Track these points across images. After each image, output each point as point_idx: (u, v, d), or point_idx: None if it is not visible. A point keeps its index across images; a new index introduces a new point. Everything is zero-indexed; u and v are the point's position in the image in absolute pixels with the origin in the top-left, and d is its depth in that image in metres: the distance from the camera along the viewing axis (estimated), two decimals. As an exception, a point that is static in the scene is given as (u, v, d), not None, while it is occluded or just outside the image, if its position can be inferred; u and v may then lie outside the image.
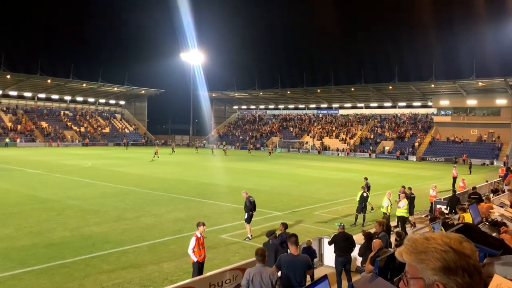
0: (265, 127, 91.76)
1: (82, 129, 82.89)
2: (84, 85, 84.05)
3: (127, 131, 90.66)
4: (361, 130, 78.58)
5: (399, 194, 17.95)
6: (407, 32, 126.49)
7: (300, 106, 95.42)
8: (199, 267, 10.24)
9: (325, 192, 26.29)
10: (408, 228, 16.56)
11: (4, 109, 78.80)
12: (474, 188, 19.84)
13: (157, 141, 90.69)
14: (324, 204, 22.17)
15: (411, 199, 17.71)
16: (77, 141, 77.40)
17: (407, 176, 37.60)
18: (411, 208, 17.51)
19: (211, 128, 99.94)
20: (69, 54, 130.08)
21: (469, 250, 1.40)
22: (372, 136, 74.97)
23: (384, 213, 16.67)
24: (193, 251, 10.19)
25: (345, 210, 20.43)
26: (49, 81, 78.37)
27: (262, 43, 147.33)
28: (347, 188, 27.65)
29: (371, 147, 70.21)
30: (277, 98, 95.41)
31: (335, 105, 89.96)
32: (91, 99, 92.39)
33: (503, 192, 15.19)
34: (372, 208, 19.68)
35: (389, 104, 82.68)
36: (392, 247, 10.50)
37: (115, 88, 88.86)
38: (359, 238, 11.44)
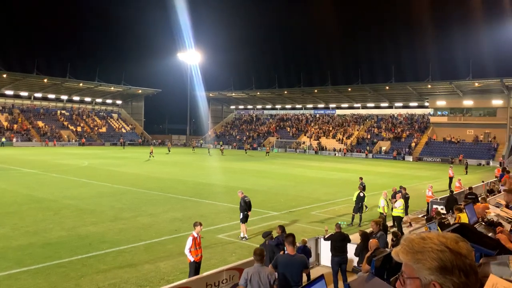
0: (262, 127, 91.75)
1: (79, 129, 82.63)
2: (81, 84, 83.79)
3: (124, 130, 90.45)
4: (358, 130, 78.69)
5: (394, 194, 18.07)
6: (404, 33, 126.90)
7: (297, 106, 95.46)
8: (195, 267, 10.24)
9: (322, 192, 26.31)
10: (405, 228, 16.61)
11: (0, 108, 78.47)
12: (470, 188, 19.94)
13: (154, 140, 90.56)
14: (321, 204, 22.20)
15: (405, 199, 17.77)
16: (73, 140, 77.17)
17: (403, 176, 37.69)
18: (405, 208, 17.56)
19: (208, 128, 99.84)
20: (66, 54, 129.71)
21: (465, 250, 1.41)
22: (369, 136, 75.09)
23: (381, 213, 16.72)
24: (190, 251, 10.18)
25: (342, 210, 20.46)
26: (45, 80, 78.07)
27: (260, 43, 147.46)
28: (344, 188, 27.69)
29: (367, 147, 70.35)
30: (274, 98, 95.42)
31: (332, 105, 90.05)
32: (87, 99, 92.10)
33: (499, 192, 15.26)
34: (366, 207, 19.55)
35: (386, 104, 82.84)
36: (389, 247, 10.53)
37: (112, 88, 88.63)
38: (356, 238, 11.46)
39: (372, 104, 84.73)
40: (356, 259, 10.78)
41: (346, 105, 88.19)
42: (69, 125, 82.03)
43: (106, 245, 13.44)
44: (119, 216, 17.72)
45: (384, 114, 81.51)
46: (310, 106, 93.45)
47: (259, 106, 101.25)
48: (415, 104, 79.47)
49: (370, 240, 9.22)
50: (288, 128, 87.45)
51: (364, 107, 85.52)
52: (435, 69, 73.55)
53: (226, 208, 19.98)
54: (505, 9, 68.36)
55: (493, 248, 2.58)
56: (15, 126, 74.80)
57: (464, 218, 8.48)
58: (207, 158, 55.84)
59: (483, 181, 27.05)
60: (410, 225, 17.73)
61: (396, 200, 16.82)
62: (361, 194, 17.88)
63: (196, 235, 10.33)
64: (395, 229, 15.00)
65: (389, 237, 11.54)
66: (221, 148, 68.67)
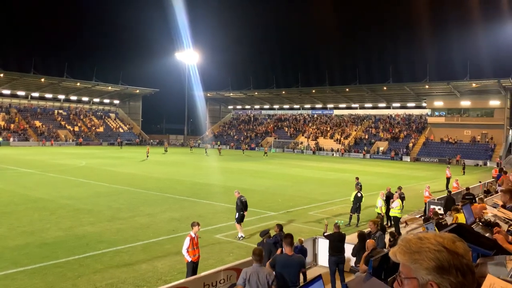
0: (260, 127, 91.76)
1: (76, 129, 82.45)
2: (78, 84, 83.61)
3: (121, 130, 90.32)
4: (355, 130, 78.80)
5: (388, 193, 18.17)
6: (402, 33, 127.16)
7: (295, 106, 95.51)
8: (193, 267, 10.23)
9: (319, 192, 26.34)
10: (403, 228, 16.63)
11: (-3, 107, 78.32)
12: (467, 189, 19.98)
13: (151, 140, 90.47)
14: (319, 204, 22.21)
15: (401, 199, 17.81)
16: (71, 140, 76.99)
17: (401, 176, 37.75)
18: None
19: (206, 128, 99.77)
20: (63, 53, 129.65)
21: (462, 250, 1.41)
22: (366, 137, 75.19)
23: (378, 213, 16.76)
24: (187, 251, 10.17)
25: (339, 210, 20.48)
26: (42, 80, 77.88)
27: (257, 43, 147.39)
28: (342, 188, 27.72)
29: (365, 148, 70.43)
30: (272, 98, 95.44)
31: (329, 106, 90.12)
32: (85, 98, 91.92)
33: (496, 192, 15.29)
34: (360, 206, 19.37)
35: (383, 104, 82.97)
36: (386, 247, 10.55)
37: (109, 87, 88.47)
38: (353, 238, 11.47)
39: (369, 105, 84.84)
40: (353, 259, 10.80)
41: (344, 105, 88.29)
42: (66, 125, 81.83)
43: (104, 245, 13.41)
44: (117, 216, 17.68)
45: (381, 114, 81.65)
46: (308, 106, 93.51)
47: (257, 106, 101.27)
48: (412, 104, 79.62)
49: (367, 241, 9.24)
50: (286, 128, 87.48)
51: (362, 108, 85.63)
52: (433, 70, 73.75)
53: (224, 208, 19.96)
54: (502, 10, 68.65)
55: (490, 249, 2.59)
56: (12, 125, 74.58)
57: (461, 218, 8.50)
58: (205, 158, 55.80)
59: (480, 182, 27.14)
60: (406, 224, 17.79)
61: (393, 200, 16.86)
62: (359, 195, 17.91)
63: (193, 235, 10.33)
64: (392, 229, 15.04)
65: (386, 238, 11.56)
66: (219, 148, 68.63)
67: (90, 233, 14.91)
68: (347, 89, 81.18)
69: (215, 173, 36.30)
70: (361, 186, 19.75)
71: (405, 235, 1.52)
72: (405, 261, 1.44)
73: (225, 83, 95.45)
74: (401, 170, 45.16)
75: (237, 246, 14.04)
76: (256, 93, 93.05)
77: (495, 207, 5.48)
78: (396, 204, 16.41)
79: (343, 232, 11.29)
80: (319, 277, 2.12)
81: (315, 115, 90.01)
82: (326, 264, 10.99)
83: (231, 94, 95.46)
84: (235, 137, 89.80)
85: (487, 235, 3.11)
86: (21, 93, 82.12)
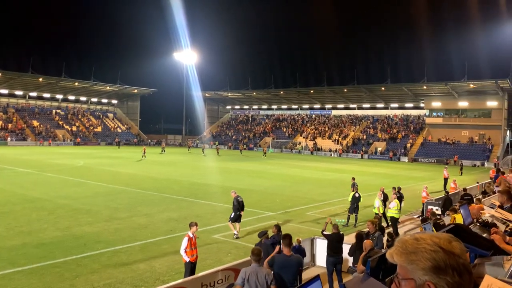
0: (258, 127, 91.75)
1: (74, 128, 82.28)
2: (76, 83, 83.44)
3: (119, 130, 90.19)
4: (353, 131, 78.87)
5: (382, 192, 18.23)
6: (400, 34, 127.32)
7: (293, 106, 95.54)
8: (191, 267, 10.23)
9: (317, 193, 26.35)
10: (400, 229, 16.65)
11: (-5, 107, 78.14)
12: (464, 189, 20.00)
13: (149, 140, 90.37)
14: (317, 204, 22.22)
15: (399, 199, 17.83)
16: (68, 140, 76.84)
17: (399, 177, 37.79)
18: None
19: (204, 128, 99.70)
20: (61, 53, 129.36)
21: (458, 250, 1.42)
22: (364, 137, 75.26)
23: (376, 214, 16.78)
24: (185, 251, 10.17)
25: (337, 210, 20.50)
26: (40, 79, 77.70)
27: (256, 44, 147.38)
28: (340, 188, 27.75)
29: (363, 148, 70.48)
30: (270, 98, 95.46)
31: (328, 106, 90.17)
32: (83, 98, 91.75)
33: (494, 193, 15.32)
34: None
35: (381, 105, 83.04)
36: (384, 247, 10.56)
37: (108, 87, 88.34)
38: (351, 239, 11.48)
39: (368, 105, 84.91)
40: (351, 259, 10.82)
41: (342, 105, 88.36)
42: (64, 125, 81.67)
43: (101, 245, 13.39)
44: (114, 216, 17.66)
45: (379, 115, 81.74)
46: (306, 106, 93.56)
47: (255, 106, 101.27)
48: (410, 105, 79.73)
49: (365, 241, 9.25)
50: (284, 129, 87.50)
51: (360, 108, 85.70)
52: (431, 70, 74.20)
53: (222, 208, 19.95)
54: (500, 11, 68.86)
55: (487, 249, 2.59)
56: (10, 125, 74.37)
57: (459, 219, 8.51)
58: (203, 158, 55.78)
59: (477, 182, 27.18)
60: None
61: (390, 201, 16.88)
62: (357, 195, 17.94)
63: (191, 235, 10.33)
64: (390, 229, 15.06)
65: (384, 238, 11.57)
66: (217, 148, 68.56)
67: (87, 233, 14.89)
68: (345, 90, 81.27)
69: (213, 173, 36.28)
70: (356, 186, 19.84)
71: (401, 236, 1.52)
72: (401, 262, 1.44)
73: (223, 83, 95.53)
74: (399, 171, 45.21)
75: (235, 246, 14.04)
76: (254, 93, 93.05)
77: (492, 208, 5.49)
78: (393, 204, 16.42)
79: (341, 233, 11.30)
80: (317, 278, 2.12)
81: (313, 116, 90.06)
82: (324, 264, 10.99)
83: (229, 94, 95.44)
84: (233, 137, 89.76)
85: (484, 235, 3.11)
86: (19, 92, 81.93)
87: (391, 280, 1.53)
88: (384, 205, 17.36)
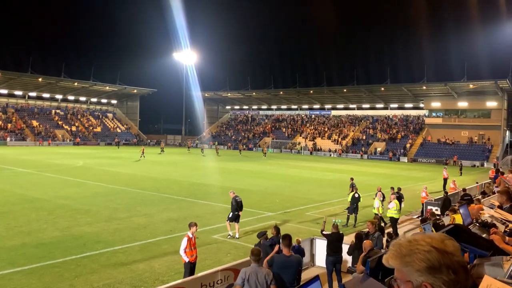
0: (258, 127, 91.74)
1: (74, 128, 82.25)
2: (76, 84, 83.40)
3: (119, 130, 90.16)
4: (353, 131, 78.88)
5: (378, 192, 18.26)
6: (400, 34, 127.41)
7: (293, 106, 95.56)
8: (190, 268, 10.22)
9: (317, 193, 26.36)
10: (400, 229, 16.65)
11: (-6, 107, 78.09)
12: (464, 189, 20.01)
13: (149, 140, 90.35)
14: (316, 204, 22.23)
15: (399, 199, 17.84)
16: (68, 140, 76.82)
17: (398, 177, 37.81)
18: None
19: (204, 128, 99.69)
20: (61, 53, 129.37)
21: (451, 248, 1.42)
22: (364, 137, 75.28)
23: (376, 214, 16.77)
24: (185, 252, 10.17)
25: (336, 211, 20.50)
26: (40, 79, 77.67)
27: (255, 44, 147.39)
28: (339, 188, 27.74)
29: (363, 148, 70.50)
30: (269, 99, 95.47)
31: (327, 106, 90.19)
32: (82, 98, 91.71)
33: (493, 193, 15.33)
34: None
35: (381, 105, 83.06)
36: (384, 248, 10.57)
37: (107, 87, 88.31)
38: (351, 239, 11.49)
39: (367, 105, 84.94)
40: (350, 259, 10.82)
41: (341, 106, 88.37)
42: (63, 125, 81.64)
43: (101, 245, 13.38)
44: (114, 216, 17.65)
45: (379, 115, 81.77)
46: (306, 106, 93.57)
47: (254, 107, 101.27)
48: (410, 105, 79.77)
49: (364, 241, 9.26)
50: (284, 129, 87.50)
51: (359, 108, 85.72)
52: (430, 71, 74.20)
53: (221, 208, 19.94)
54: (500, 11, 68.88)
55: (487, 249, 2.59)
56: (9, 125, 74.33)
57: (458, 219, 8.51)
58: (202, 158, 55.77)
59: (477, 182, 27.21)
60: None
61: (390, 201, 16.87)
62: (356, 195, 17.94)
63: (191, 236, 10.32)
64: (390, 229, 15.06)
65: (384, 239, 11.58)
66: (217, 148, 68.50)
67: (87, 233, 14.88)
68: (345, 90, 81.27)
69: (212, 174, 36.28)
70: (354, 186, 19.86)
71: (396, 240, 1.52)
72: (397, 265, 1.45)
73: (223, 83, 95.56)
74: (399, 171, 45.23)
75: (234, 246, 14.04)
76: (254, 94, 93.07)
77: (492, 208, 5.50)
78: (392, 205, 16.41)
79: (341, 232, 11.31)
80: (316, 278, 2.12)
81: (313, 116, 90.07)
82: (324, 264, 11.00)
83: (229, 94, 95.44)
84: (233, 137, 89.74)
85: (484, 236, 3.12)
86: (18, 92, 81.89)
87: (391, 280, 1.54)
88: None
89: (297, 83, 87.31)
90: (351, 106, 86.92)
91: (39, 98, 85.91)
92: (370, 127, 78.22)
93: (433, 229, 6.53)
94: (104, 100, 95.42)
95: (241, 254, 12.59)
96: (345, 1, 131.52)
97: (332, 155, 70.59)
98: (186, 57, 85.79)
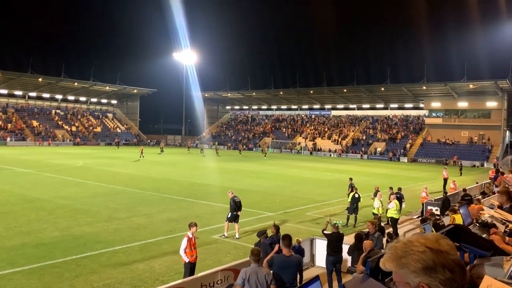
0: (258, 127, 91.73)
1: (74, 128, 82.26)
2: (76, 84, 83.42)
3: (118, 130, 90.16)
4: (353, 131, 78.88)
5: (376, 192, 18.27)
6: (400, 34, 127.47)
7: (293, 106, 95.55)
8: (190, 268, 10.22)
9: (317, 193, 26.36)
10: (400, 229, 16.64)
11: (-6, 107, 78.09)
12: (464, 190, 20.01)
13: (149, 140, 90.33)
14: (316, 204, 22.23)
15: (399, 200, 17.84)
16: (68, 140, 76.82)
17: (398, 177, 37.81)
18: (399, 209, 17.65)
19: (204, 128, 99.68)
20: (61, 53, 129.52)
21: (446, 247, 1.42)
22: (364, 137, 75.28)
23: (375, 214, 16.76)
24: (185, 252, 10.16)
25: (336, 211, 20.50)
26: (40, 79, 77.68)
27: (255, 44, 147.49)
28: (339, 188, 27.72)
29: (363, 148, 70.49)
30: (269, 99, 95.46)
31: (327, 106, 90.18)
32: (82, 98, 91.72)
33: (493, 193, 15.33)
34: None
35: (381, 105, 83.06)
36: (384, 248, 10.56)
37: (107, 87, 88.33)
38: (351, 239, 11.49)
39: (367, 105, 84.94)
40: (350, 259, 10.81)
41: (341, 106, 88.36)
42: (63, 125, 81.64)
43: (101, 245, 13.38)
44: (114, 216, 17.65)
45: (379, 115, 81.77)
46: (306, 106, 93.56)
47: (254, 107, 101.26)
48: (410, 105, 79.77)
49: (365, 241, 9.25)
50: (284, 129, 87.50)
51: (359, 108, 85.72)
52: (430, 71, 74.21)
53: (221, 208, 19.93)
54: (500, 11, 68.90)
55: (487, 249, 2.60)
56: (9, 125, 74.34)
57: (458, 219, 8.51)
58: (202, 158, 55.76)
59: (477, 183, 27.21)
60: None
61: (389, 201, 16.86)
62: (356, 195, 17.94)
63: (191, 236, 10.32)
64: (390, 230, 15.06)
65: (384, 239, 11.58)
66: (216, 148, 68.47)
67: (87, 233, 14.88)
68: (345, 90, 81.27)
69: (212, 174, 36.28)
70: (353, 187, 19.85)
71: (391, 243, 1.53)
72: (394, 267, 1.46)
73: (223, 83, 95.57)
74: (399, 171, 45.22)
75: (234, 246, 14.04)
76: (254, 94, 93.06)
77: (492, 208, 5.50)
78: (392, 205, 16.40)
79: (341, 232, 11.31)
80: (316, 278, 2.12)
81: (313, 116, 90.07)
82: (324, 264, 10.99)
83: (229, 94, 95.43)
84: (233, 137, 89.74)
85: (484, 236, 3.12)
86: (18, 92, 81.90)
87: (391, 280, 1.54)
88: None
89: (297, 83, 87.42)
90: (351, 106, 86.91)
91: (39, 98, 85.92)
92: (370, 127, 78.22)
93: (433, 229, 6.53)
94: (104, 100, 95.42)
95: (241, 254, 12.59)
96: (345, 1, 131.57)
97: (332, 155, 70.59)
98: (186, 57, 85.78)
